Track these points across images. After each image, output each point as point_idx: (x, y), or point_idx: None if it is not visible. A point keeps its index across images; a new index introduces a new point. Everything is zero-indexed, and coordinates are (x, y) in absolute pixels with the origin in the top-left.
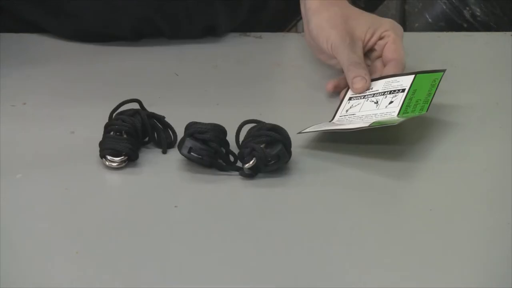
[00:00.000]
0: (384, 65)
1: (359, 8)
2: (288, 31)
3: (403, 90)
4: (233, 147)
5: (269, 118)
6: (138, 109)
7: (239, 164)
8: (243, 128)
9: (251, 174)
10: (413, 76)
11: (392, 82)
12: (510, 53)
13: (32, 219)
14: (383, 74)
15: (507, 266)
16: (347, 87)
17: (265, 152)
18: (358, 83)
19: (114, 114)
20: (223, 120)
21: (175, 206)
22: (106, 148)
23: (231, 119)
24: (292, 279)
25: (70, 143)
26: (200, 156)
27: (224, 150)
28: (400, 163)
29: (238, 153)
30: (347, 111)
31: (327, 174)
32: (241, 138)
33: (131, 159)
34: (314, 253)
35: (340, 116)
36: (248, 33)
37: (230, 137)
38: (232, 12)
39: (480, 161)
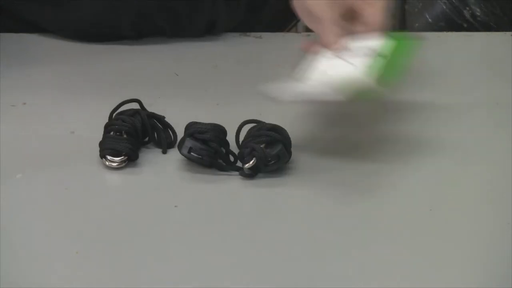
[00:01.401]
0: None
1: None
2: (288, 31)
3: (372, 52)
4: (233, 147)
5: (269, 118)
6: (138, 109)
7: (239, 164)
8: (243, 128)
9: (251, 174)
10: (384, 38)
11: (366, 43)
12: (510, 53)
13: (32, 219)
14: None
15: (507, 266)
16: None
17: (265, 152)
18: (329, 39)
19: (114, 114)
20: (223, 120)
21: (175, 206)
22: (106, 148)
23: (231, 119)
24: (292, 279)
25: (70, 143)
26: (200, 156)
27: (224, 150)
28: (399, 163)
29: (238, 153)
30: (316, 69)
31: (327, 174)
32: (241, 138)
33: (131, 159)
34: (314, 253)
35: (311, 74)
36: (248, 33)
37: (230, 137)
38: (232, 11)
39: (480, 161)
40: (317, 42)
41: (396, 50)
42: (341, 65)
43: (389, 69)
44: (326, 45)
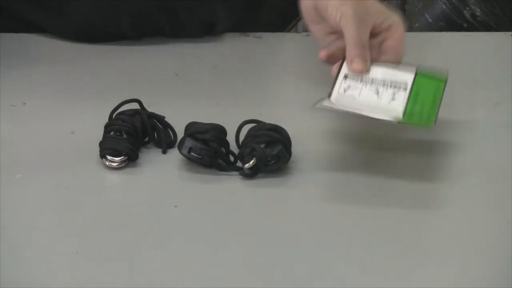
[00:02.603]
0: (381, 54)
1: None
2: (288, 31)
3: (405, 88)
4: (233, 147)
5: (269, 118)
6: (138, 109)
7: (239, 164)
8: (243, 128)
9: (251, 174)
10: (413, 73)
11: (392, 75)
12: (510, 53)
13: (32, 219)
14: (381, 61)
15: (507, 266)
16: (340, 61)
17: (265, 152)
18: (358, 64)
19: (114, 114)
20: (223, 120)
21: (175, 206)
22: (106, 148)
23: (231, 119)
24: (292, 279)
25: (70, 143)
26: (200, 156)
27: (224, 150)
28: (399, 162)
29: (238, 153)
30: (344, 90)
31: (327, 174)
32: (241, 138)
33: (131, 159)
34: (314, 253)
35: (338, 94)
36: (248, 33)
37: (230, 137)
38: (231, 10)
39: (480, 161)
40: (336, 52)
41: (423, 89)
42: (370, 98)
43: (420, 112)
44: (353, 70)
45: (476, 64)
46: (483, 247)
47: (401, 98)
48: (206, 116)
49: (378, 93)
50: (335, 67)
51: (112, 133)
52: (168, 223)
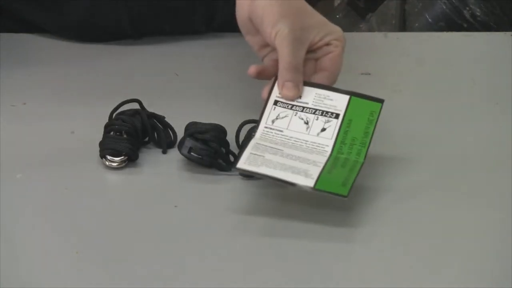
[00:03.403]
0: (317, 70)
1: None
2: None
3: (337, 116)
4: (233, 147)
5: None
6: (138, 109)
7: None
8: (243, 128)
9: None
10: (347, 97)
11: (324, 99)
12: (510, 53)
13: (32, 219)
14: (314, 81)
15: (507, 266)
16: (272, 81)
17: None
18: (290, 90)
19: (114, 114)
20: (223, 120)
21: (175, 206)
22: (106, 148)
23: (231, 119)
24: (292, 279)
25: (70, 143)
26: (200, 156)
27: (224, 150)
28: (398, 163)
29: (238, 153)
30: (273, 121)
31: None
32: (241, 138)
33: (131, 159)
34: (315, 253)
35: (265, 128)
36: None
37: (230, 137)
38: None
39: (480, 161)
40: (266, 70)
41: (356, 115)
42: (299, 128)
43: (351, 144)
44: (283, 95)
45: (476, 64)
46: (483, 247)
47: (331, 129)
48: (206, 116)
49: (308, 123)
50: (265, 90)
51: (112, 133)
52: (168, 223)
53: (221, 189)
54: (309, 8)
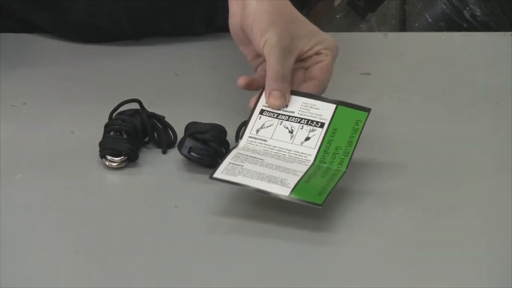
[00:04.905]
0: (306, 79)
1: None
2: None
3: (322, 125)
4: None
5: None
6: (138, 109)
7: None
8: (242, 128)
9: None
10: (334, 107)
11: (311, 108)
12: (510, 53)
13: (32, 219)
14: (303, 90)
15: (507, 266)
16: (260, 91)
17: None
18: (276, 99)
19: (114, 114)
20: (223, 120)
21: (175, 206)
22: (106, 148)
23: (231, 119)
24: (292, 279)
25: (70, 143)
26: (200, 156)
27: (224, 150)
28: (398, 162)
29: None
30: (257, 131)
31: None
32: None
33: (131, 159)
34: (315, 253)
35: (250, 137)
36: None
37: (230, 137)
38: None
39: (480, 161)
40: (255, 81)
41: (341, 123)
42: (283, 137)
43: (334, 153)
44: (269, 104)
45: (476, 64)
46: (483, 247)
47: (315, 138)
48: (206, 116)
49: (292, 132)
50: (253, 99)
51: (112, 133)
52: (168, 223)
53: (221, 189)
54: (300, 16)
